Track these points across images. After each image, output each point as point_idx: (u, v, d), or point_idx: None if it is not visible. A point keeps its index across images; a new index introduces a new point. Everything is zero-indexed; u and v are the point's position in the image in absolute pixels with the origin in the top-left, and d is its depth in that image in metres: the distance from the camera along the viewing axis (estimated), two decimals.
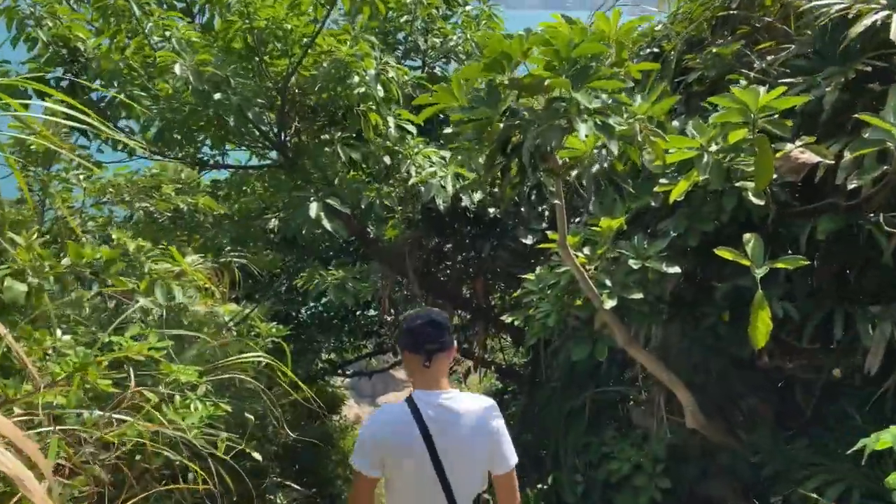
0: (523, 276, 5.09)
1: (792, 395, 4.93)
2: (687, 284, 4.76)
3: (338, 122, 6.21)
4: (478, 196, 6.04)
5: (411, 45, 7.97)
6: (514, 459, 2.93)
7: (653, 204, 4.56)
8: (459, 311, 9.47)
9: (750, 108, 3.54)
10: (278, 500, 6.90)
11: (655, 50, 5.69)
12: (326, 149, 5.93)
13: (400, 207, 7.20)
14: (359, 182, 6.20)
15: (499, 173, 3.48)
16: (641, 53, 5.71)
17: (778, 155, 3.74)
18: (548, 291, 4.72)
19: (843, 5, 4.08)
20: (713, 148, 3.78)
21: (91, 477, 2.54)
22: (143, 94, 5.55)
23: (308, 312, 10.35)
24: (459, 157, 3.33)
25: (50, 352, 2.92)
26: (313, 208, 5.38)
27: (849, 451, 2.67)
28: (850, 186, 3.69)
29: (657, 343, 5.18)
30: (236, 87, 5.31)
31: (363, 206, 5.87)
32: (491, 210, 6.73)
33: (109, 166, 5.73)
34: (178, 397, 3.15)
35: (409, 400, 2.87)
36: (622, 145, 3.25)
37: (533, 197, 3.64)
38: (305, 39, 5.53)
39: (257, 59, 5.56)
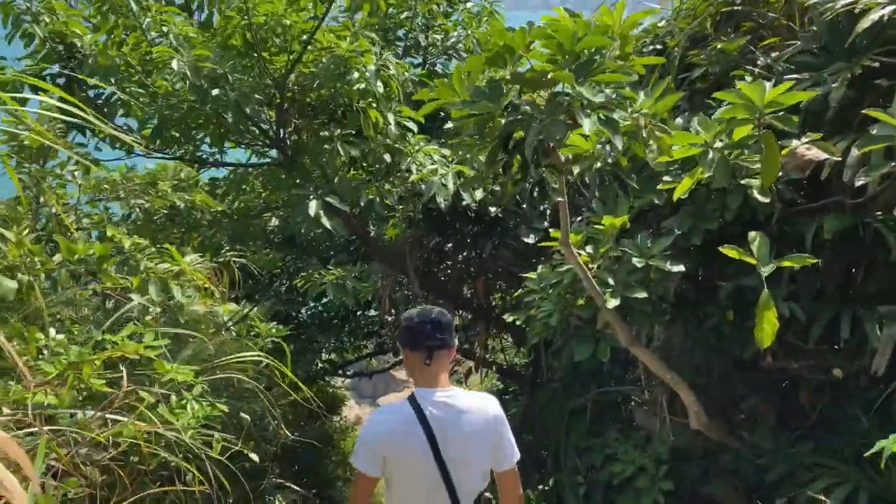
0: (525, 276, 5.03)
1: (795, 396, 4.87)
2: (690, 284, 4.71)
3: (337, 120, 6.16)
4: (479, 194, 5.98)
5: (412, 43, 7.92)
6: (516, 456, 2.92)
7: (656, 202, 4.51)
8: (460, 311, 9.43)
9: (756, 103, 3.47)
10: (277, 502, 6.84)
11: (658, 47, 5.64)
12: (326, 146, 5.87)
13: (400, 206, 7.15)
14: (359, 180, 6.15)
15: (500, 169, 3.42)
16: (644, 50, 5.66)
17: (784, 152, 3.68)
18: (550, 290, 4.67)
19: (849, 0, 4.02)
20: (718, 144, 3.72)
21: (84, 478, 2.48)
22: (140, 90, 5.50)
23: (308, 312, 10.31)
24: (461, 153, 3.26)
25: (44, 351, 2.87)
26: (313, 206, 5.32)
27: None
28: (858, 183, 3.63)
29: (660, 343, 5.14)
30: (234, 83, 5.25)
31: (363, 205, 5.82)
32: (492, 209, 6.68)
33: (108, 165, 5.68)
34: (174, 397, 3.10)
35: (411, 398, 2.85)
36: (626, 140, 3.19)
37: (535, 194, 3.57)
38: (305, 36, 5.48)
39: (256, 55, 5.51)
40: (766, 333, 3.49)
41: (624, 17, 3.34)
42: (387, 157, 5.88)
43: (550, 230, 4.61)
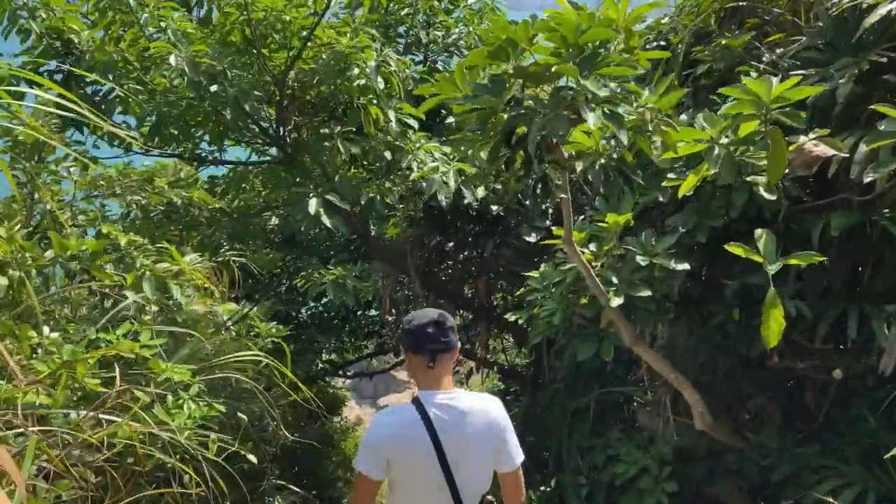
0: (527, 274, 4.98)
1: (801, 396, 4.82)
2: (694, 282, 4.65)
3: (338, 118, 6.10)
4: (480, 192, 5.92)
5: (413, 40, 7.86)
6: (520, 457, 2.91)
7: (661, 199, 4.45)
8: (461, 311, 9.39)
9: (762, 99, 3.41)
10: (277, 503, 6.79)
11: (662, 43, 5.59)
12: (326, 143, 5.81)
13: (401, 205, 7.10)
14: (359, 178, 6.09)
15: (503, 166, 3.37)
16: (647, 46, 5.60)
17: (791, 148, 3.63)
18: (553, 289, 4.61)
19: None
20: (724, 140, 3.66)
21: (79, 480, 2.42)
22: (138, 87, 5.44)
23: (308, 312, 10.28)
24: (463, 148, 3.20)
25: (38, 350, 2.82)
26: (313, 204, 5.27)
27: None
28: (866, 180, 3.58)
29: (663, 342, 5.08)
30: (233, 79, 5.20)
31: (363, 203, 5.76)
32: (494, 207, 6.62)
33: (106, 163, 5.63)
34: (170, 397, 3.05)
35: (415, 401, 2.83)
36: (632, 135, 3.13)
37: (538, 191, 3.51)
38: (304, 32, 5.42)
39: (255, 51, 5.45)
40: (772, 332, 3.43)
41: (629, 10, 3.28)
42: (387, 155, 5.82)
43: (553, 228, 4.55)
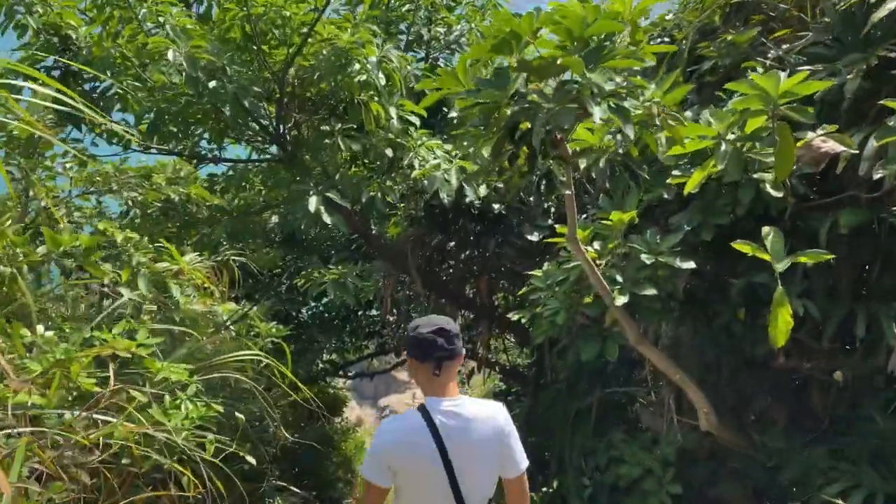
0: (530, 273, 4.92)
1: (807, 396, 4.76)
2: (699, 281, 4.59)
3: (339, 115, 6.04)
4: (482, 191, 5.86)
5: (414, 37, 7.80)
6: (524, 463, 2.91)
7: (665, 196, 4.39)
8: (463, 311, 9.35)
9: (770, 94, 3.36)
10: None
11: (666, 39, 5.54)
12: (326, 141, 5.75)
13: (402, 204, 7.05)
14: (360, 177, 6.03)
15: (506, 162, 3.31)
16: (652, 43, 5.54)
17: (799, 144, 3.57)
18: (556, 288, 4.56)
19: None
20: (730, 137, 3.61)
21: (73, 481, 2.36)
22: (137, 84, 5.38)
23: (309, 312, 10.23)
24: (465, 143, 3.14)
25: (33, 349, 2.76)
26: (313, 202, 5.21)
27: None
28: (876, 177, 3.52)
29: (668, 342, 5.02)
30: (233, 75, 5.13)
31: (364, 201, 5.70)
32: (495, 206, 6.56)
33: (103, 160, 5.57)
34: (167, 397, 2.99)
35: (421, 408, 2.83)
36: (638, 130, 3.07)
37: (542, 187, 3.45)
38: (305, 28, 5.36)
39: (255, 48, 5.39)
40: (780, 332, 3.39)
41: (634, 3, 3.22)
42: (388, 152, 5.75)
43: (556, 226, 4.50)
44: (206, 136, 6.23)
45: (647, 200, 4.44)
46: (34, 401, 2.30)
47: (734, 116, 3.55)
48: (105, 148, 5.95)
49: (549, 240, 4.73)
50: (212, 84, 4.99)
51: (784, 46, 4.63)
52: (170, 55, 4.81)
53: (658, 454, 5.32)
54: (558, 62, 2.81)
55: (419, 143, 5.87)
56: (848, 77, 3.87)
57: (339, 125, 5.83)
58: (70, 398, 2.80)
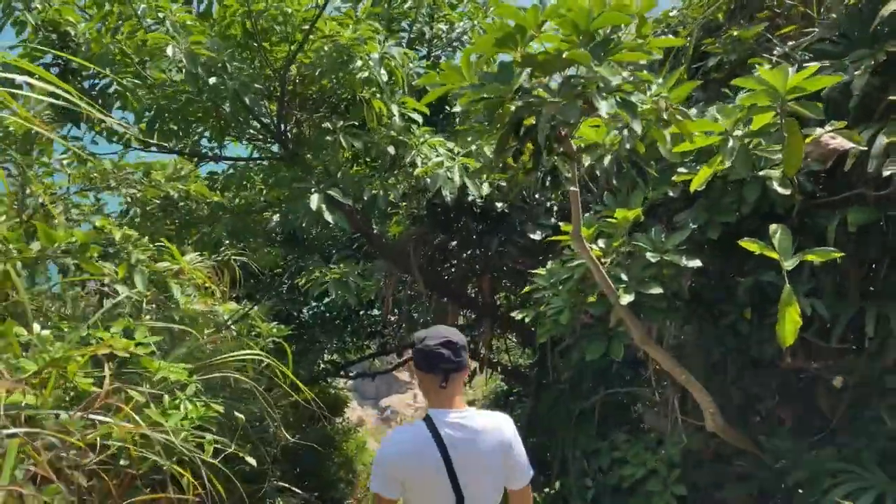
0: (534, 272, 4.88)
1: (815, 397, 4.70)
2: (705, 280, 4.54)
3: (340, 113, 6.00)
4: (485, 189, 5.81)
5: (416, 34, 7.76)
6: (530, 473, 2.94)
7: (670, 194, 4.34)
8: (465, 311, 9.31)
9: (778, 89, 3.30)
10: None
11: (670, 36, 5.48)
12: (328, 138, 5.70)
13: (404, 203, 7.01)
14: (362, 175, 5.98)
15: (510, 158, 3.26)
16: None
17: (808, 140, 3.52)
18: (560, 287, 4.51)
19: None
20: (737, 133, 3.55)
21: (68, 484, 2.31)
22: (136, 81, 5.33)
23: (310, 312, 10.19)
24: (469, 139, 3.10)
25: (29, 348, 2.71)
26: (314, 200, 5.16)
27: None
28: (885, 174, 3.47)
29: (672, 341, 4.97)
30: (233, 72, 5.09)
31: (366, 199, 5.65)
32: (498, 204, 6.52)
33: (103, 158, 5.51)
34: (166, 397, 2.94)
35: (426, 419, 2.84)
36: (645, 125, 3.02)
37: (547, 183, 3.40)
38: (306, 25, 5.31)
39: (256, 45, 5.34)
40: (788, 331, 3.32)
41: None
42: (391, 150, 5.70)
43: (561, 224, 4.45)
44: (206, 134, 6.19)
45: (651, 198, 4.39)
46: (28, 401, 2.25)
47: (741, 112, 3.50)
48: (105, 146, 5.91)
49: (553, 238, 4.69)
50: (212, 81, 4.94)
51: (790, 43, 4.59)
52: (169, 51, 4.76)
53: (662, 455, 5.27)
54: (564, 55, 2.76)
55: (422, 140, 5.82)
56: (856, 73, 3.82)
57: (341, 123, 5.78)
58: (67, 398, 2.76)
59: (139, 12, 5.05)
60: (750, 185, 3.88)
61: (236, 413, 3.57)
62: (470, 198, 5.93)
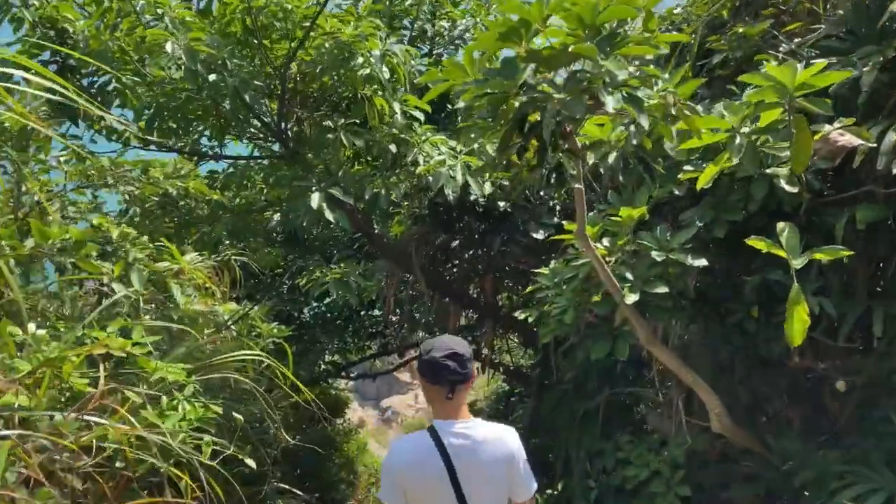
0: (537, 271, 4.83)
1: (822, 398, 4.65)
2: (711, 278, 4.49)
3: (341, 111, 5.95)
4: (487, 188, 5.76)
5: (417, 32, 7.71)
6: (534, 486, 2.98)
7: (676, 192, 4.29)
8: (467, 311, 9.27)
9: (786, 85, 3.25)
10: None
11: (675, 33, 5.43)
12: (329, 136, 5.65)
13: (406, 202, 6.96)
14: (363, 174, 5.94)
15: (514, 155, 3.20)
16: None
17: (816, 137, 3.46)
18: (564, 286, 4.45)
19: None
20: (745, 130, 3.50)
21: (61, 487, 2.26)
22: (136, 79, 5.28)
23: (311, 312, 10.14)
24: (473, 136, 3.05)
25: (24, 348, 2.66)
26: (315, 199, 5.11)
27: None
28: None
29: (677, 341, 4.92)
30: (233, 69, 5.04)
31: (368, 198, 5.60)
32: (501, 204, 6.47)
33: (101, 156, 5.46)
34: (164, 398, 2.89)
35: (431, 429, 2.88)
36: (652, 121, 2.96)
37: (552, 180, 3.35)
38: (307, 21, 5.26)
39: (256, 42, 5.30)
40: (796, 330, 3.27)
41: None
42: (392, 148, 5.65)
43: (564, 223, 4.40)
44: (206, 133, 6.15)
45: (656, 197, 4.34)
46: (21, 402, 2.20)
47: (749, 109, 3.44)
48: (104, 145, 5.86)
49: (557, 237, 4.64)
50: (212, 78, 4.90)
51: (796, 40, 4.53)
52: (168, 47, 4.71)
53: (666, 456, 5.22)
54: (570, 49, 2.71)
55: (423, 138, 5.77)
56: (864, 70, 3.77)
57: (342, 121, 5.73)
58: (63, 399, 2.71)
59: (138, 8, 4.99)
60: (757, 182, 3.83)
61: (235, 414, 3.52)
62: (472, 197, 5.89)
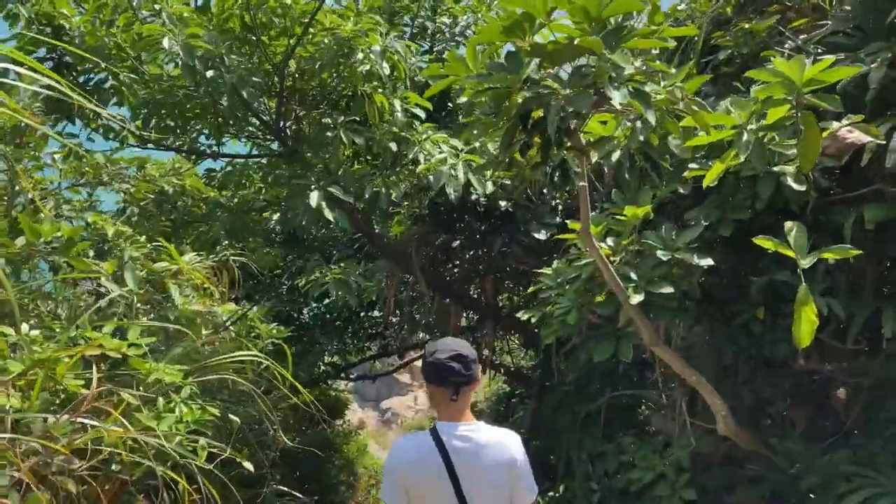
0: (540, 272, 4.77)
1: (828, 400, 4.59)
2: (717, 279, 4.42)
3: (341, 109, 5.89)
4: (489, 187, 5.70)
5: (418, 29, 7.65)
6: (535, 492, 2.97)
7: (681, 191, 4.23)
8: (467, 312, 9.21)
9: (794, 81, 3.19)
10: None
11: None
12: (328, 134, 5.60)
13: (406, 202, 6.91)
14: (363, 172, 5.88)
15: (517, 153, 3.14)
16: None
17: (824, 134, 3.40)
18: (567, 286, 4.39)
19: None
20: (752, 126, 3.44)
21: (54, 491, 2.20)
22: (133, 76, 5.22)
23: (310, 313, 10.10)
24: (475, 132, 2.99)
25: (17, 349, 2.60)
26: (314, 197, 5.05)
27: None
28: None
29: (681, 342, 4.86)
30: (231, 65, 4.97)
31: (368, 197, 5.54)
32: (502, 203, 6.41)
33: (96, 154, 5.40)
34: (161, 400, 2.83)
35: (433, 430, 2.89)
36: (659, 116, 2.90)
37: (556, 178, 3.30)
38: (306, 18, 5.20)
39: (255, 38, 5.24)
40: (804, 332, 3.21)
41: None
42: (392, 146, 5.59)
43: (568, 222, 4.34)
44: (204, 131, 6.09)
45: (661, 196, 4.28)
46: (13, 404, 2.14)
47: (756, 105, 3.38)
48: (101, 144, 5.80)
49: (561, 236, 4.58)
50: (209, 73, 4.84)
51: (802, 36, 4.48)
52: (165, 42, 4.65)
53: (671, 459, 5.16)
54: (576, 42, 2.64)
55: (424, 136, 5.71)
56: (872, 66, 3.71)
57: (342, 118, 5.67)
58: (57, 401, 2.65)
59: (134, 4, 4.94)
60: (764, 180, 3.77)
61: (231, 416, 3.46)
62: (473, 196, 5.84)
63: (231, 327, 4.68)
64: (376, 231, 7.25)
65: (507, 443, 2.89)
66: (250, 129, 6.23)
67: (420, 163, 5.56)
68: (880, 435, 4.19)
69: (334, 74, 5.42)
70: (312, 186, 5.18)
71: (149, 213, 5.71)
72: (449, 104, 7.07)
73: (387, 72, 5.26)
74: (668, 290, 3.85)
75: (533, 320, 4.83)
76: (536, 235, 6.35)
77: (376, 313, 10.74)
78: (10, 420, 2.20)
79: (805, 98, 3.24)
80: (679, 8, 5.48)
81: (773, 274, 3.90)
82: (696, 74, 4.31)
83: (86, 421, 2.35)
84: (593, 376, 6.13)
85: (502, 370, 10.40)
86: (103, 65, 4.91)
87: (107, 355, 2.72)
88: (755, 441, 4.53)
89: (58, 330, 2.97)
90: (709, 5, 5.16)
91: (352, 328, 10.83)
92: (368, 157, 6.24)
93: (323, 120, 5.82)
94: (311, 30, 5.22)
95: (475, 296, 8.64)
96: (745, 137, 3.36)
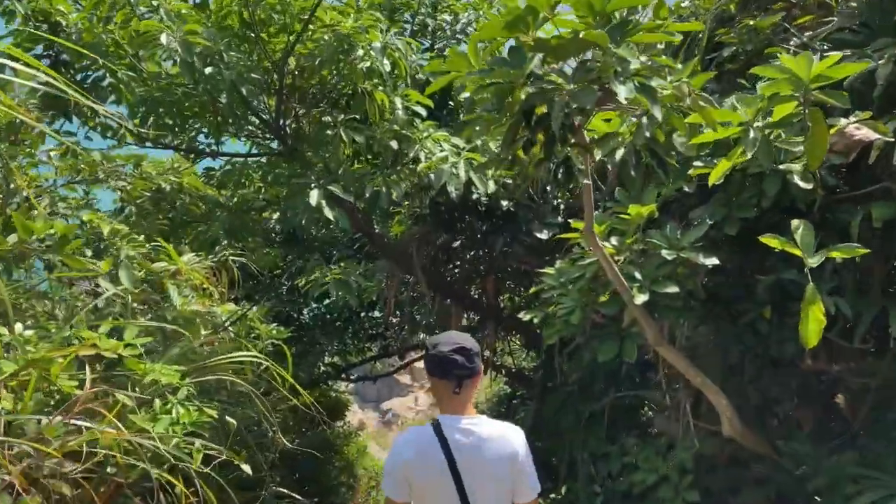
0: (542, 271, 4.72)
1: (835, 400, 4.54)
2: (722, 278, 4.38)
3: (341, 108, 5.85)
4: (491, 186, 5.65)
5: (418, 26, 7.60)
6: (537, 488, 2.97)
7: (686, 189, 4.19)
8: (468, 312, 9.16)
9: (801, 78, 3.14)
10: None
11: None
12: (328, 132, 5.55)
13: (407, 202, 6.87)
14: (363, 171, 5.83)
15: (520, 150, 3.09)
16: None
17: (832, 131, 3.35)
18: (570, 286, 4.34)
19: None
20: (758, 123, 3.39)
21: (46, 494, 2.15)
22: (130, 73, 5.17)
23: (310, 314, 10.06)
24: (477, 129, 2.93)
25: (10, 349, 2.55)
26: (314, 196, 5.00)
27: None
28: None
29: (686, 342, 4.81)
30: (230, 62, 4.93)
31: (368, 196, 5.49)
32: (504, 203, 6.36)
33: (92, 151, 5.35)
34: (157, 401, 2.79)
35: (435, 423, 2.89)
36: (666, 112, 2.85)
37: (560, 175, 3.25)
38: (306, 14, 5.16)
39: (253, 35, 5.19)
40: (812, 331, 3.16)
41: None
42: (393, 145, 5.55)
43: (571, 221, 4.29)
44: (203, 130, 6.05)
45: (665, 194, 4.24)
46: (5, 406, 2.09)
47: (762, 102, 3.33)
48: (99, 142, 5.76)
49: (564, 235, 4.53)
50: (208, 70, 4.79)
51: (808, 33, 4.43)
52: (163, 39, 4.60)
53: (674, 460, 5.11)
54: (580, 36, 2.59)
55: (425, 135, 5.66)
56: (879, 63, 3.67)
57: (342, 116, 5.63)
58: (52, 402, 2.61)
59: (132, 0, 4.89)
60: (770, 178, 3.72)
61: (228, 418, 3.41)
62: (475, 196, 5.79)
63: (230, 328, 4.64)
64: (377, 231, 7.21)
65: (510, 437, 2.88)
66: (250, 127, 6.19)
67: (421, 161, 5.52)
68: (888, 436, 4.14)
69: (334, 72, 5.38)
70: (312, 185, 5.14)
71: (146, 212, 5.66)
72: (450, 102, 7.02)
73: (387, 69, 5.22)
74: (673, 289, 3.81)
75: (535, 321, 4.78)
76: (538, 235, 6.30)
77: (377, 314, 10.70)
78: (2, 422, 2.16)
79: (813, 94, 3.20)
80: (683, 5, 5.44)
81: (780, 273, 3.85)
82: (700, 71, 4.27)
83: (80, 422, 2.30)
84: (597, 377, 6.09)
85: (503, 371, 10.35)
86: (101, 62, 4.87)
87: (102, 356, 2.67)
88: (761, 442, 4.48)
89: (53, 330, 2.92)
90: (713, 2, 5.12)
91: (352, 329, 10.79)
92: (369, 156, 6.19)
93: (323, 118, 5.78)
94: (311, 26, 5.18)
95: (476, 296, 8.60)
96: (751, 134, 3.31)
